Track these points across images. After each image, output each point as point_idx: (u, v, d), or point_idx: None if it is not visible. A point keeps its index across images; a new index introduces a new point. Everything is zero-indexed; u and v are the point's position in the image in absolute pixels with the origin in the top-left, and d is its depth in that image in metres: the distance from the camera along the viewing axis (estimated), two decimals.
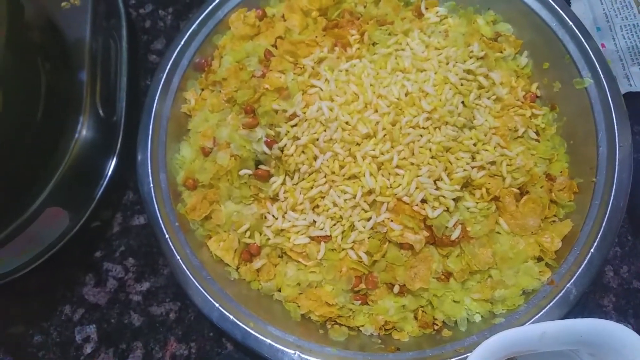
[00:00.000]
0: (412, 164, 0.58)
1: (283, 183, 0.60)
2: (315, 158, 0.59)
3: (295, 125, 0.60)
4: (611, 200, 0.56)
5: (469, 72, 0.63)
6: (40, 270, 0.62)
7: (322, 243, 0.58)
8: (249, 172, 0.61)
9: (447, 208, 0.57)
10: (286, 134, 0.60)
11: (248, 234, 0.61)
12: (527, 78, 0.68)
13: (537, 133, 0.64)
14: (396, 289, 0.57)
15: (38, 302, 0.68)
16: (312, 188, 0.59)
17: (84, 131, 0.62)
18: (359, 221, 0.57)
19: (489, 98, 0.63)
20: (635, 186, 0.57)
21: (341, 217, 0.58)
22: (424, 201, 0.57)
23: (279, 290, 0.60)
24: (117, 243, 0.70)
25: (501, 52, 0.67)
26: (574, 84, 0.62)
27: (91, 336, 0.66)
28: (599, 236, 0.55)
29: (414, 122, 0.59)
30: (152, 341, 0.65)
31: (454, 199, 0.58)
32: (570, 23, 0.63)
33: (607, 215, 0.56)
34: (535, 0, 0.64)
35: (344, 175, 0.58)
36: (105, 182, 0.66)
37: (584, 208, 0.58)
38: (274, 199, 0.62)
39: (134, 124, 0.64)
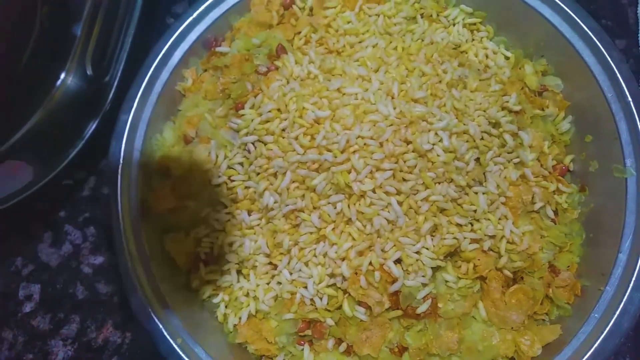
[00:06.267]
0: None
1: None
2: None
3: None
4: (614, 319, 0.48)
5: (495, 125, 0.55)
6: None
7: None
8: (223, 180, 0.55)
9: (423, 275, 0.50)
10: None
11: (208, 240, 0.56)
12: (564, 147, 0.58)
13: (555, 212, 0.55)
14: (343, 347, 0.51)
15: None
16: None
17: (63, 88, 0.57)
18: (317, 266, 0.51)
19: (509, 161, 0.54)
20: None
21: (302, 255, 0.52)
22: (398, 261, 0.50)
23: (226, 307, 0.55)
24: (83, 208, 0.67)
25: (542, 110, 0.58)
26: (613, 170, 0.53)
27: (34, 295, 0.63)
28: (585, 357, 0.47)
29: (415, 171, 0.51)
30: (90, 319, 0.62)
31: (433, 267, 0.50)
32: (630, 99, 0.52)
33: (603, 335, 0.48)
34: (597, 63, 0.54)
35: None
36: (82, 144, 0.62)
37: (580, 317, 0.50)
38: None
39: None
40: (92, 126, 0.62)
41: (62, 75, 0.57)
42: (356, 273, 0.50)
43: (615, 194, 0.52)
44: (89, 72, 0.59)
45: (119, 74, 0.64)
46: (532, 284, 0.52)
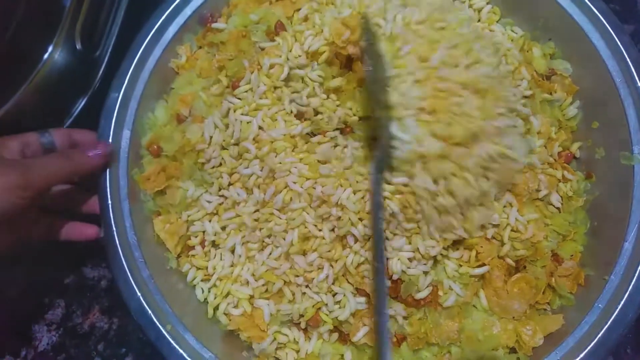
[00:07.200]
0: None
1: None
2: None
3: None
4: (618, 310, 0.47)
5: (510, 110, 0.52)
6: None
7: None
8: (218, 161, 0.53)
9: (425, 263, 0.48)
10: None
11: (200, 223, 0.54)
12: (570, 133, 0.56)
13: (560, 201, 0.54)
14: (334, 336, 0.50)
15: None
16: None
17: (51, 63, 0.54)
18: (313, 251, 0.49)
19: None
20: None
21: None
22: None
23: (217, 295, 0.53)
24: None
25: (550, 94, 0.56)
26: (620, 157, 0.51)
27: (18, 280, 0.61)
28: (588, 347, 0.46)
29: None
30: (76, 304, 0.60)
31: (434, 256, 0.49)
32: (639, 84, 0.51)
33: (607, 325, 0.46)
34: (606, 47, 0.53)
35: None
36: (69, 122, 0.59)
37: (583, 307, 0.48)
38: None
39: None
40: (81, 104, 0.60)
41: (50, 49, 0.54)
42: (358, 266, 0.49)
43: (621, 182, 0.51)
44: (78, 46, 0.56)
45: (109, 50, 0.61)
46: (535, 273, 0.50)
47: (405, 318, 0.49)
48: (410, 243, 0.48)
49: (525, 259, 0.51)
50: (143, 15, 0.66)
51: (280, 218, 0.51)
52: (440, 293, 0.49)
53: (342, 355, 0.50)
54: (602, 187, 0.53)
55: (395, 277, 0.48)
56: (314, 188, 0.50)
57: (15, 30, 0.53)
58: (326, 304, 0.49)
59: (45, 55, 0.54)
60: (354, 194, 0.49)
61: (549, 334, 0.49)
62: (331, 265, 0.49)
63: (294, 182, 0.50)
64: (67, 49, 0.56)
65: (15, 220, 0.45)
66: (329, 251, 0.49)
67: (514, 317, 0.49)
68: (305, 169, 0.51)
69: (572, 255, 0.52)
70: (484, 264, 0.49)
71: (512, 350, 0.49)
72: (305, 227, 0.50)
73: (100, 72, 0.60)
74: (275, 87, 0.54)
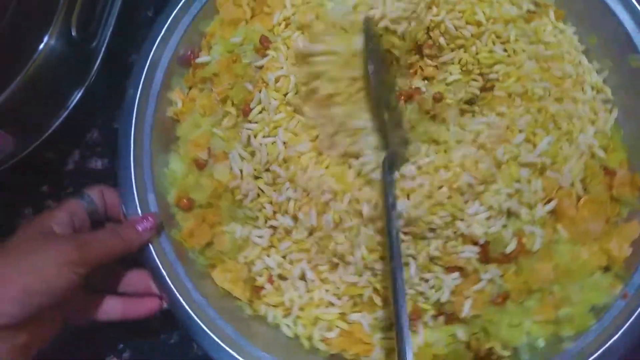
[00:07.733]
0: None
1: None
2: None
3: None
4: None
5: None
6: None
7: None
8: (255, 192, 0.50)
9: (501, 217, 0.48)
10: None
11: (260, 261, 0.51)
12: None
13: None
14: (440, 319, 0.49)
15: None
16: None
17: (47, 52, 0.53)
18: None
19: None
20: None
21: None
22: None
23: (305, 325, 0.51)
24: (67, 182, 0.63)
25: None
26: (630, 61, 0.53)
27: None
28: None
29: None
30: None
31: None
32: None
33: None
34: None
35: None
36: (65, 113, 0.58)
37: None
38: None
39: (119, 58, 0.59)
40: (77, 96, 0.58)
41: (46, 39, 0.52)
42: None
43: (636, 85, 0.53)
44: (75, 35, 0.55)
45: (106, 41, 0.59)
46: (597, 191, 0.51)
47: (501, 276, 0.48)
48: (482, 204, 0.48)
49: (582, 181, 0.52)
50: (140, 5, 0.67)
51: (339, 237, 0.49)
52: (524, 240, 0.48)
53: (453, 335, 0.48)
54: (620, 96, 0.55)
55: (481, 241, 0.47)
56: (358, 202, 0.48)
57: (10, 20, 0.51)
58: (422, 293, 0.48)
59: (41, 46, 0.52)
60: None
61: (633, 242, 0.50)
62: (414, 258, 0.48)
63: (332, 201, 0.48)
64: (64, 39, 0.54)
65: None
66: (407, 249, 0.48)
67: (595, 239, 0.50)
68: (333, 181, 0.49)
69: (620, 163, 0.53)
70: (551, 199, 0.50)
71: (607, 269, 0.50)
72: (372, 240, 0.48)
73: (97, 63, 0.59)
74: (286, 99, 0.53)
